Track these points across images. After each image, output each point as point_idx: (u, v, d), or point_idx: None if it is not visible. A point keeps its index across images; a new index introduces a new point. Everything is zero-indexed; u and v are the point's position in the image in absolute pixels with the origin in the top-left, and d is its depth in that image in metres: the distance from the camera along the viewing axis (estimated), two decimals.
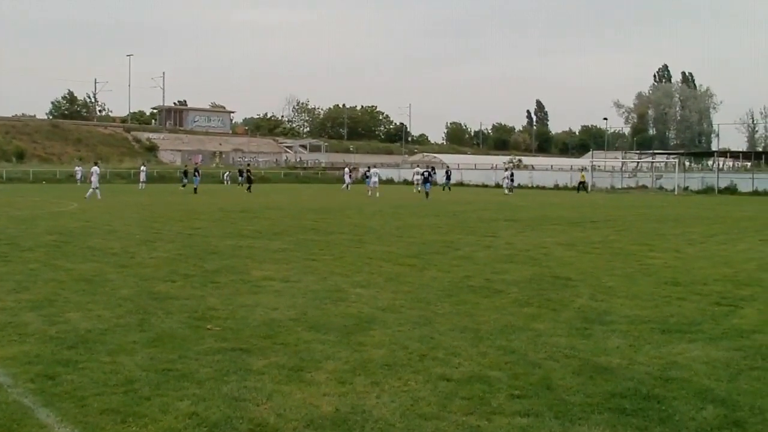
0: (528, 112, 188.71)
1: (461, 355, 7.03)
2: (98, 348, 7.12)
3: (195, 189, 51.62)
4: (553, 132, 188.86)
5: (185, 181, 56.77)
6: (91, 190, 40.38)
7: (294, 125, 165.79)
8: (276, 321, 8.47)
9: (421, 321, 8.59)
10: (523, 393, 5.91)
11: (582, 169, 71.07)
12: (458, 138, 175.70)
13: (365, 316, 8.83)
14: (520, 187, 61.55)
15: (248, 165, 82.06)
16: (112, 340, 7.46)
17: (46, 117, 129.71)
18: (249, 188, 54.65)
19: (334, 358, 6.87)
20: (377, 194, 47.10)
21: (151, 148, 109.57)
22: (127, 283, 10.99)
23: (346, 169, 67.75)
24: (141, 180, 59.95)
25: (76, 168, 72.71)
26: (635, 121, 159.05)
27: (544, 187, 72.96)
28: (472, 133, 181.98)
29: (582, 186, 62.54)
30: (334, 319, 8.62)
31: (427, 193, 47.01)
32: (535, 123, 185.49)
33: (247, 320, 8.50)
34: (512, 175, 60.92)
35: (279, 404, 5.57)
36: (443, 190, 58.58)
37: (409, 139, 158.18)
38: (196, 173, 55.27)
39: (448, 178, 64.12)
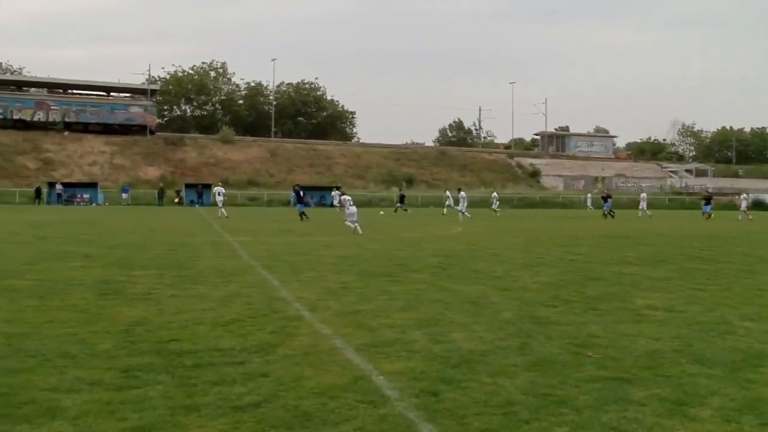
0: None
1: None
2: (480, 368, 7.29)
3: (605, 215, 52.41)
4: None
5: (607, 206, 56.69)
6: (460, 213, 45.04)
7: (679, 149, 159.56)
8: (658, 351, 8.12)
9: None
10: None
11: None
12: None
13: (755, 352, 8.16)
14: None
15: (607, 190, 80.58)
16: (493, 361, 7.62)
17: (433, 144, 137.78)
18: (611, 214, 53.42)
19: (719, 394, 6.42)
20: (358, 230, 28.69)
21: (534, 174, 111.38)
22: (510, 307, 11.18)
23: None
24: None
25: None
26: None
27: None
28: None
29: None
30: (720, 353, 8.06)
31: None
32: None
33: (629, 349, 8.24)
34: None
35: None
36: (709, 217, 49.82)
37: None
38: (608, 199, 55.80)
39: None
